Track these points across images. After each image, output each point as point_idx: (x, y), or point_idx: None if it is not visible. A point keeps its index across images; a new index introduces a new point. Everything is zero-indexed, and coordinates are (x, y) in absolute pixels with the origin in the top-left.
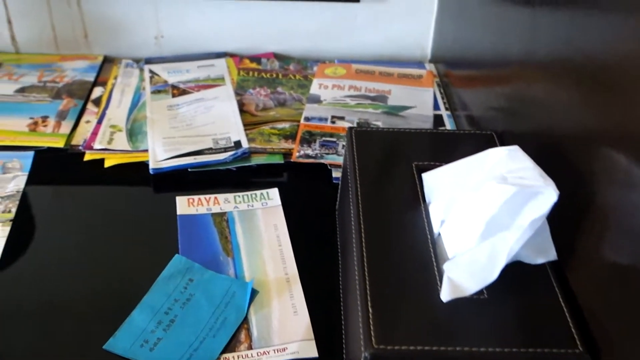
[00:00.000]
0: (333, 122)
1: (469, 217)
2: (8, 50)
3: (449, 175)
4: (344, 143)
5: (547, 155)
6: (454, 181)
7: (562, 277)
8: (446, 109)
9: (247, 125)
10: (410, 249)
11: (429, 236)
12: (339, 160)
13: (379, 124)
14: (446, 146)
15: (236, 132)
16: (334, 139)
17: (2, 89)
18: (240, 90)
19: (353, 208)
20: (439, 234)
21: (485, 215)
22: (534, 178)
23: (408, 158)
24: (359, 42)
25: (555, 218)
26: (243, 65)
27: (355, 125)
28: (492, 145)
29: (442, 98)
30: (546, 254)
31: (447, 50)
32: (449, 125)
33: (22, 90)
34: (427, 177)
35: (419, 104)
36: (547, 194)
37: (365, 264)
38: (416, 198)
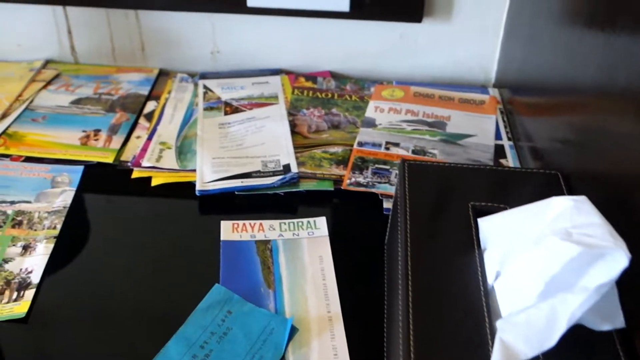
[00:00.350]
0: (387, 149)
1: (527, 273)
2: (67, 61)
3: (508, 222)
4: (397, 171)
5: (619, 207)
6: (513, 230)
7: (630, 346)
8: (508, 138)
9: (298, 148)
10: (460, 298)
11: (481, 287)
12: (391, 190)
13: (436, 152)
14: (506, 185)
15: (286, 154)
16: (387, 167)
17: (59, 100)
18: (293, 110)
19: (401, 247)
20: (493, 286)
21: (546, 273)
22: (603, 237)
23: (464, 196)
24: (419, 63)
25: (625, 280)
26: (298, 83)
27: (410, 153)
28: (557, 187)
29: (505, 127)
30: (612, 320)
31: (513, 75)
32: (510, 157)
33: (77, 101)
34: (483, 223)
35: (479, 132)
36: (617, 257)
37: (411, 311)
38: (470, 243)
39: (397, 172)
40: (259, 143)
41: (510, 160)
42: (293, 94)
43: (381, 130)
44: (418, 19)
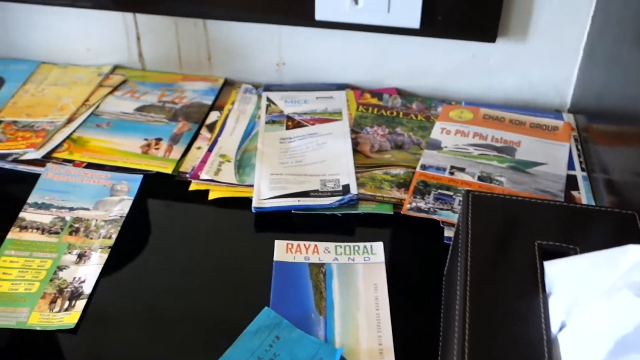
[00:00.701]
0: (452, 173)
1: (595, 328)
2: (135, 67)
3: (577, 268)
4: (461, 198)
5: None
6: (582, 277)
7: None
8: (582, 169)
9: (359, 168)
10: (520, 344)
11: (544, 335)
12: (454, 218)
13: (503, 180)
14: (577, 224)
15: (346, 174)
16: (450, 193)
17: (124, 106)
18: (356, 127)
19: (460, 282)
20: (556, 337)
21: (617, 331)
22: None
23: (530, 233)
24: (490, 84)
25: None
26: (363, 99)
27: (475, 179)
28: (634, 231)
29: (579, 156)
30: None
31: (591, 100)
32: (583, 189)
33: (141, 108)
34: (550, 267)
35: (551, 160)
36: None
37: (466, 351)
38: (535, 285)
39: (460, 199)
40: (319, 160)
41: (583, 193)
42: (357, 110)
43: (446, 153)
44: (492, 39)
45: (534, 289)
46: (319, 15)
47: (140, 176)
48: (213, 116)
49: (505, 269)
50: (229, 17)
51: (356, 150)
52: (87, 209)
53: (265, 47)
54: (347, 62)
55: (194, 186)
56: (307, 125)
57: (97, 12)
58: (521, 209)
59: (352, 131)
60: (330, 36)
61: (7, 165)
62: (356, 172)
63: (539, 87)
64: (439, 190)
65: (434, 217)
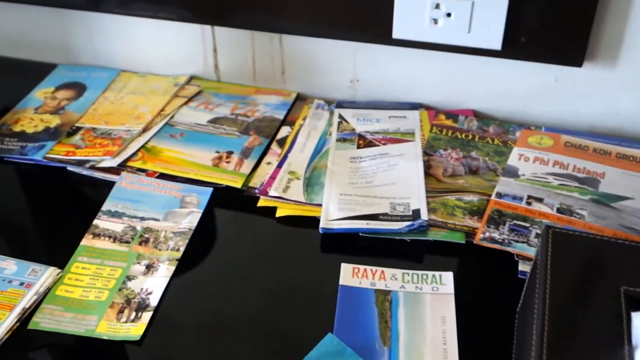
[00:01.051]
0: (529, 203)
1: None
2: (210, 78)
3: None
4: (539, 231)
5: None
6: None
7: None
8: None
9: (431, 192)
10: None
11: None
12: (530, 251)
13: (584, 213)
14: None
15: (417, 198)
16: (526, 225)
17: (197, 117)
18: (429, 150)
19: (537, 326)
20: None
21: None
22: None
23: (616, 278)
24: (574, 110)
25: None
26: (438, 120)
27: (554, 211)
28: None
29: None
30: None
31: None
32: None
33: (214, 120)
34: (638, 318)
35: (638, 195)
36: None
37: None
38: (619, 337)
39: (538, 231)
40: (390, 182)
41: None
42: (431, 131)
43: (524, 181)
44: (578, 63)
45: (619, 341)
46: (396, 34)
47: (210, 189)
48: (284, 131)
49: (587, 316)
50: (305, 33)
51: (428, 174)
52: (157, 220)
53: (339, 63)
54: (422, 81)
55: (262, 202)
56: (378, 145)
57: (177, 24)
58: (606, 249)
59: (425, 153)
60: (406, 54)
61: (85, 172)
62: (427, 197)
63: (627, 114)
64: (515, 221)
65: (508, 249)
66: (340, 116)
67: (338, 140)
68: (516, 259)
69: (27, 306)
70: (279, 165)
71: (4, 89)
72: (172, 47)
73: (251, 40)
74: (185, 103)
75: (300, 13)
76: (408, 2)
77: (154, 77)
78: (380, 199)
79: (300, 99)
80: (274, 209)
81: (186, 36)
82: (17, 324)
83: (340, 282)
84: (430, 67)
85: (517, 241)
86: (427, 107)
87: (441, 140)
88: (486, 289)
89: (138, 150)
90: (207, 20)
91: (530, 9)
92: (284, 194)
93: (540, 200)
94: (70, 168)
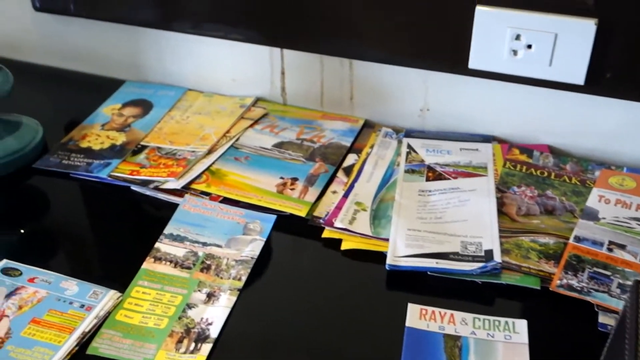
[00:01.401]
0: (610, 250)
1: None
2: (276, 101)
3: None
4: (621, 281)
5: None
6: None
7: None
8: None
9: (504, 232)
10: None
11: None
12: (611, 302)
13: None
14: None
15: (489, 238)
16: (607, 273)
17: (263, 140)
18: (502, 186)
19: None
20: None
21: None
22: None
23: None
24: None
25: None
26: (511, 155)
27: (638, 260)
28: None
29: None
30: None
31: None
32: None
33: (279, 145)
34: None
35: None
36: None
37: None
38: None
39: (620, 281)
40: (461, 219)
41: None
42: (504, 166)
43: (604, 225)
44: None
45: None
46: (472, 64)
47: (274, 217)
48: (351, 159)
49: None
50: (376, 59)
51: (501, 212)
52: (220, 246)
53: (410, 91)
54: (495, 112)
55: (327, 233)
56: (449, 179)
57: (246, 45)
58: None
59: (498, 189)
60: (480, 85)
61: (149, 192)
62: (500, 237)
63: None
64: (595, 268)
65: (588, 298)
66: (409, 146)
67: (406, 171)
68: (596, 309)
69: (87, 330)
70: (345, 195)
71: (72, 102)
72: (240, 67)
73: (320, 64)
74: (251, 125)
75: (373, 39)
76: (487, 32)
77: (220, 97)
78: (450, 237)
79: (368, 126)
80: (339, 241)
81: (254, 57)
82: (76, 348)
83: (407, 324)
84: (505, 98)
85: (597, 290)
86: (500, 140)
87: (515, 176)
88: (563, 341)
89: (202, 172)
90: (277, 43)
91: (617, 43)
92: (350, 226)
93: (622, 247)
94: (134, 187)
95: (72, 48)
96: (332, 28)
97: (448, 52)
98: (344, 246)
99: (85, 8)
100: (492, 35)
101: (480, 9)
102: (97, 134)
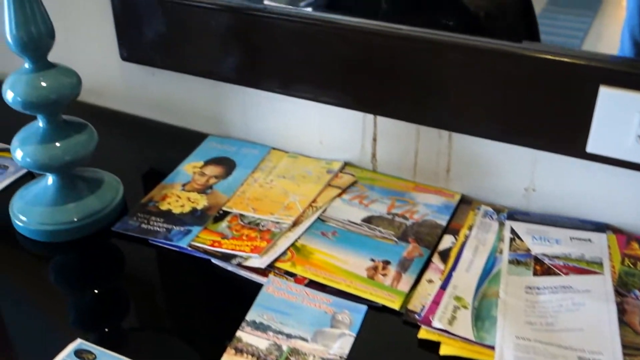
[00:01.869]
0: None
1: None
2: (365, 167)
3: None
4: None
5: None
6: None
7: None
8: None
9: (628, 348)
10: None
11: None
12: None
13: None
14: None
15: (611, 354)
16: None
17: (351, 213)
18: (621, 288)
19: None
20: None
21: None
22: None
23: None
24: None
25: None
26: (630, 249)
27: None
28: None
29: None
30: None
31: None
32: None
33: (369, 219)
34: None
35: None
36: None
37: None
38: None
39: None
40: (576, 328)
41: None
42: (622, 264)
43: None
44: None
45: None
46: (591, 148)
47: (365, 307)
48: (447, 241)
49: None
50: (480, 134)
51: (622, 321)
52: (306, 340)
53: (514, 168)
54: (611, 199)
55: (423, 334)
56: (559, 274)
57: (337, 108)
58: None
59: (617, 292)
60: (596, 168)
61: (230, 268)
62: (624, 354)
63: None
64: None
65: None
66: (513, 231)
67: (510, 262)
68: None
69: None
70: (443, 287)
71: (153, 154)
72: (329, 130)
73: (416, 133)
74: (339, 195)
75: (477, 114)
76: (611, 115)
77: (306, 159)
78: (565, 350)
79: (464, 202)
80: (437, 343)
81: (345, 122)
82: None
83: None
84: (624, 185)
85: None
86: (615, 230)
87: (635, 276)
88: None
89: (287, 249)
90: (371, 110)
91: None
92: (450, 327)
93: None
94: (215, 261)
95: (156, 98)
96: (431, 100)
97: (563, 133)
98: (444, 351)
99: (172, 61)
100: (616, 118)
101: (604, 90)
102: (177, 194)
